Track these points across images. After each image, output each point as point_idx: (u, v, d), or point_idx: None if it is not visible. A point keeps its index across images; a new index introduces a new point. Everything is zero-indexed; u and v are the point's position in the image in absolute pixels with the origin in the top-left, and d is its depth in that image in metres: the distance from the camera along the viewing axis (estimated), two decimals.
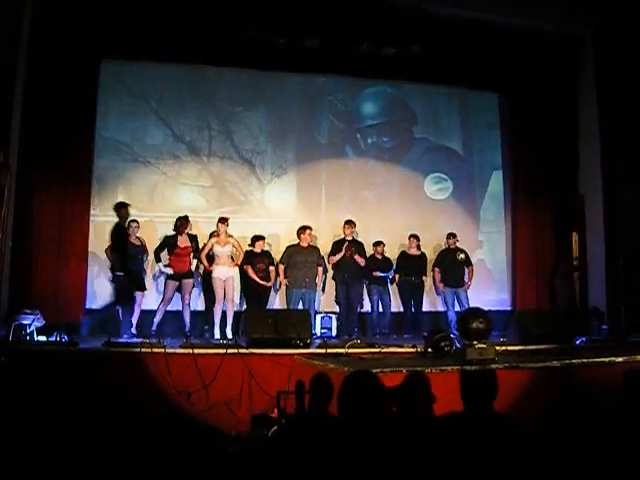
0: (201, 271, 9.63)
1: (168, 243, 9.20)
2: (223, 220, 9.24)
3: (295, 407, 5.19)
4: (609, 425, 3.81)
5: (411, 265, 10.44)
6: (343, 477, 3.16)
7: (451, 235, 10.59)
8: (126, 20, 9.45)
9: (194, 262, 9.39)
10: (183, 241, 9.21)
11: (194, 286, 9.42)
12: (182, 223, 9.21)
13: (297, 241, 9.87)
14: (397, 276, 10.38)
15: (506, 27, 10.37)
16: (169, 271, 9.10)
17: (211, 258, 9.18)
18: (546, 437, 3.68)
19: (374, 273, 10.15)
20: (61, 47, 9.43)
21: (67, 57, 9.50)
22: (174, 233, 9.22)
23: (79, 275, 9.66)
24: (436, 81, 11.51)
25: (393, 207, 11.30)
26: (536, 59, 10.94)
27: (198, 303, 9.79)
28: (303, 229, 9.84)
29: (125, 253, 8.82)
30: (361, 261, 9.99)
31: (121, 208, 8.87)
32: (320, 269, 9.93)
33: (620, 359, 6.93)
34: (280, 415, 5.65)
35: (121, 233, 8.86)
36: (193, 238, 9.43)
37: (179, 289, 9.16)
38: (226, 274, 9.05)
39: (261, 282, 9.60)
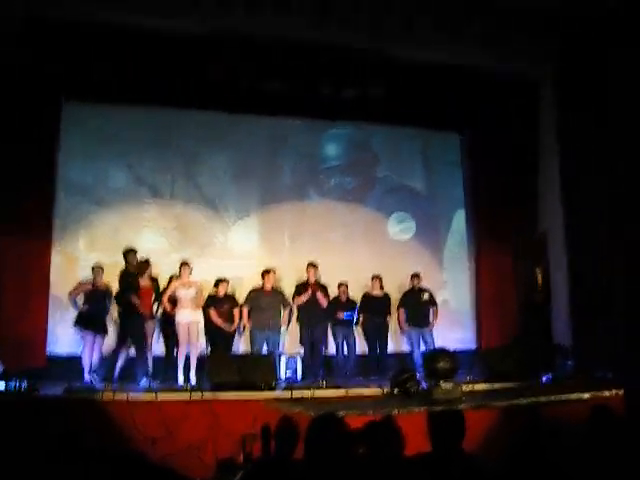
0: (160, 315, 9.47)
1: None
2: (186, 263, 9.23)
3: (261, 451, 5.11)
4: (572, 462, 3.80)
5: (374, 306, 10.35)
6: None
7: (415, 275, 10.58)
8: (88, 63, 9.41)
9: (154, 305, 9.30)
10: (145, 283, 9.12)
11: (155, 330, 9.31)
12: (143, 266, 9.14)
13: (261, 284, 9.82)
14: (361, 317, 10.32)
15: (467, 68, 10.50)
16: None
17: (172, 301, 9.11)
18: (512, 476, 3.66)
19: (337, 315, 10.09)
20: (22, 89, 9.33)
21: (28, 99, 9.41)
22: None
23: (40, 320, 9.48)
24: (398, 122, 11.56)
25: (357, 248, 11.27)
26: (497, 99, 11.07)
27: (158, 347, 9.60)
28: (267, 272, 9.79)
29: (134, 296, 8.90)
30: (323, 302, 9.95)
31: (129, 253, 9.14)
32: (286, 311, 9.87)
33: (586, 395, 6.99)
34: (246, 460, 5.56)
35: (127, 278, 8.98)
36: (154, 280, 9.37)
37: None
38: (189, 317, 9.00)
39: (225, 325, 9.51)
